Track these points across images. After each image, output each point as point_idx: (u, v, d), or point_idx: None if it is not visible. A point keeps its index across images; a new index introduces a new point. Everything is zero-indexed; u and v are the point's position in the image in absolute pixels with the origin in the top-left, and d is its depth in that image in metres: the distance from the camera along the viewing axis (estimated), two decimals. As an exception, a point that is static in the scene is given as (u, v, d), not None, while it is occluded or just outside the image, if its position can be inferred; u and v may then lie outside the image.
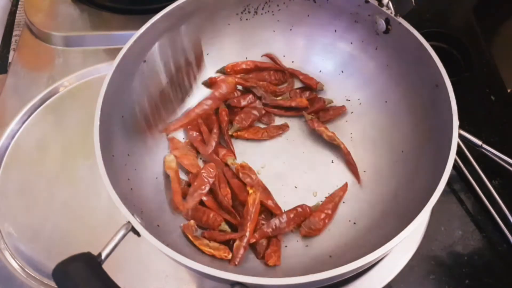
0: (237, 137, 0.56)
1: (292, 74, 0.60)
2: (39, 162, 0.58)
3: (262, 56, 0.60)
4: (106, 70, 0.64)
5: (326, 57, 0.59)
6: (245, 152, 0.56)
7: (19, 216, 0.54)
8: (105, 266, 0.37)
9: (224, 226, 0.48)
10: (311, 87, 0.59)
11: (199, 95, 0.59)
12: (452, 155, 0.40)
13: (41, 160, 0.58)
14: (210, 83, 0.59)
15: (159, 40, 0.52)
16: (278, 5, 0.57)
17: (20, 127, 0.61)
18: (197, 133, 0.56)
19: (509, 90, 0.61)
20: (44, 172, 0.57)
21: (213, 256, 0.46)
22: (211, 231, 0.48)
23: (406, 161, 0.50)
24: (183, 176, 0.53)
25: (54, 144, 0.59)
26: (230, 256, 0.46)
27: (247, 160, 0.53)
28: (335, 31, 0.57)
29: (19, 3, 0.78)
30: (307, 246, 0.49)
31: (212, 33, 0.57)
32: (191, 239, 0.47)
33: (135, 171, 0.48)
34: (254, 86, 0.57)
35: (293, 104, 0.57)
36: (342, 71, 0.59)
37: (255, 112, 0.56)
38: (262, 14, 0.57)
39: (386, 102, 0.54)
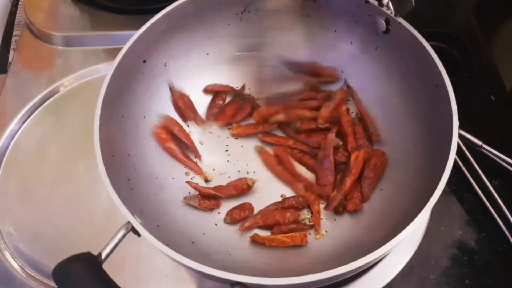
0: (237, 135, 0.57)
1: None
2: (39, 162, 0.58)
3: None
4: (106, 70, 0.64)
5: (326, 57, 0.59)
6: (243, 152, 0.56)
7: (19, 216, 0.54)
8: (105, 266, 0.37)
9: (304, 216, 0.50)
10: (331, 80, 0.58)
11: (200, 95, 0.59)
12: (452, 155, 0.40)
13: (41, 160, 0.58)
14: (210, 90, 0.59)
15: (159, 40, 0.52)
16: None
17: (20, 127, 0.61)
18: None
19: (508, 89, 0.61)
20: (44, 172, 0.57)
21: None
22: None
23: (406, 161, 0.50)
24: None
25: (54, 144, 0.59)
26: (306, 239, 0.48)
27: (245, 159, 0.55)
28: (335, 31, 0.57)
29: (19, 3, 0.78)
30: (307, 246, 0.49)
31: (212, 33, 0.57)
32: (266, 242, 0.48)
33: (135, 171, 0.48)
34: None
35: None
36: (342, 71, 0.59)
37: None
38: (262, 14, 0.57)
39: (386, 102, 0.54)
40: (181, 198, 0.52)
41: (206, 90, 0.59)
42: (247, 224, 0.50)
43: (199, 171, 0.54)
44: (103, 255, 0.37)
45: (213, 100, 0.59)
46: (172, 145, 0.53)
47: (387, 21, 0.49)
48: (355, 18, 0.53)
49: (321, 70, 0.58)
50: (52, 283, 0.48)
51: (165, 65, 0.55)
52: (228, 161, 0.55)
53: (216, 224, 0.51)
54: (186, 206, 0.51)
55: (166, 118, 0.54)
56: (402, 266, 0.49)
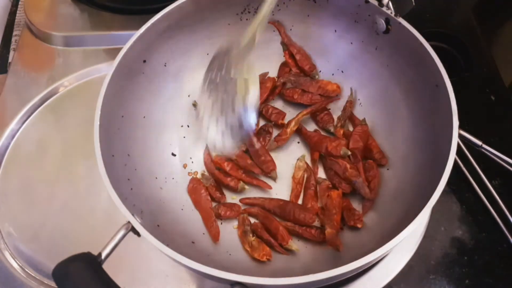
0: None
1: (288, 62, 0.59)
2: (39, 162, 0.58)
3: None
4: (106, 70, 0.64)
5: (326, 57, 0.59)
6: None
7: (19, 216, 0.54)
8: (105, 266, 0.37)
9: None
10: (304, 71, 0.59)
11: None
12: (452, 155, 0.40)
13: (41, 160, 0.58)
14: None
15: (159, 40, 0.52)
16: (278, 5, 0.57)
17: (20, 127, 0.61)
18: None
19: (507, 85, 0.61)
20: (44, 172, 0.57)
21: (251, 257, 0.47)
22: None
23: (406, 161, 0.50)
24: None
25: (54, 144, 0.59)
26: (270, 259, 0.47)
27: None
28: (335, 31, 0.57)
29: (19, 3, 0.78)
30: (306, 247, 0.49)
31: (212, 33, 0.57)
32: (239, 231, 0.49)
33: (135, 171, 0.48)
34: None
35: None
36: (342, 71, 0.59)
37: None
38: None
39: (386, 102, 0.54)
40: (181, 198, 0.52)
41: None
42: (248, 200, 0.52)
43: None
44: (103, 255, 0.37)
45: None
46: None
47: (387, 21, 0.49)
48: (355, 18, 0.53)
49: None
50: (52, 283, 0.48)
51: (165, 65, 0.55)
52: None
53: (216, 224, 0.51)
54: (186, 206, 0.52)
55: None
56: (402, 266, 0.49)
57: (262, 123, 0.59)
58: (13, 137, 0.60)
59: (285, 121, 0.57)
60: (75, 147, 0.58)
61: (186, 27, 0.54)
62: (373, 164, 0.52)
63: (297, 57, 0.58)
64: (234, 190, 0.53)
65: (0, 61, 0.72)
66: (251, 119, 0.46)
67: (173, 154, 0.55)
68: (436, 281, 0.49)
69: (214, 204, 0.52)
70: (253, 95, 0.46)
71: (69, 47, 0.68)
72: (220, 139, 0.47)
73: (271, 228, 0.49)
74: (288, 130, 0.55)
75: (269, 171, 0.53)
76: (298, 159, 0.54)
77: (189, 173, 0.54)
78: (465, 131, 0.46)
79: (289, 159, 0.55)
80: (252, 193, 0.53)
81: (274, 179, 0.53)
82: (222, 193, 0.53)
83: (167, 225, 0.47)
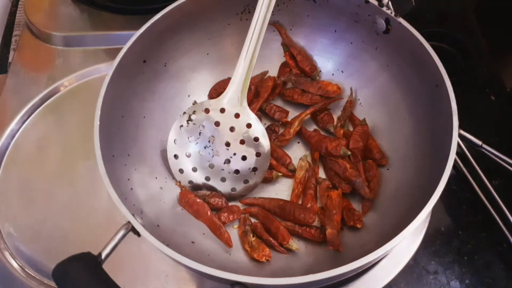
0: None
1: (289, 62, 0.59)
2: (39, 162, 0.58)
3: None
4: (106, 70, 0.64)
5: (326, 57, 0.59)
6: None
7: (19, 216, 0.54)
8: (105, 266, 0.37)
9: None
10: (305, 72, 0.59)
11: (199, 94, 0.59)
12: (452, 155, 0.40)
13: (41, 160, 0.58)
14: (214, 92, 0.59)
15: (159, 40, 0.52)
16: (278, 5, 0.57)
17: (20, 127, 0.61)
18: None
19: (508, 89, 0.61)
20: (44, 172, 0.57)
21: (251, 257, 0.47)
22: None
23: (406, 161, 0.50)
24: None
25: (54, 144, 0.59)
26: (269, 260, 0.46)
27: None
28: (335, 31, 0.57)
29: (19, 3, 0.78)
30: (306, 247, 0.49)
31: (212, 33, 0.57)
32: (239, 231, 0.50)
33: (135, 171, 0.48)
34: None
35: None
36: (342, 71, 0.59)
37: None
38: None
39: (386, 102, 0.54)
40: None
41: (211, 96, 0.59)
42: (248, 200, 0.52)
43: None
44: (103, 255, 0.37)
45: None
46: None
47: (387, 21, 0.49)
48: (355, 18, 0.53)
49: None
50: (52, 283, 0.48)
51: (165, 65, 0.55)
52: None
53: (216, 224, 0.51)
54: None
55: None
56: (402, 266, 0.49)
57: (264, 122, 0.58)
58: (13, 137, 0.60)
59: (288, 119, 0.57)
60: (75, 147, 0.58)
61: (186, 27, 0.54)
62: (373, 164, 0.52)
63: (298, 58, 0.58)
64: (270, 180, 0.53)
65: (0, 61, 0.72)
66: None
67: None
68: (436, 281, 0.49)
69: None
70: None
71: (69, 47, 0.68)
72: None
73: (271, 228, 0.49)
74: (292, 130, 0.55)
75: (287, 164, 0.54)
76: (300, 159, 0.54)
77: (177, 183, 0.52)
78: (465, 131, 0.46)
79: (289, 159, 0.55)
80: (252, 193, 0.53)
81: (292, 171, 0.54)
82: (224, 201, 0.51)
83: (167, 225, 0.47)
